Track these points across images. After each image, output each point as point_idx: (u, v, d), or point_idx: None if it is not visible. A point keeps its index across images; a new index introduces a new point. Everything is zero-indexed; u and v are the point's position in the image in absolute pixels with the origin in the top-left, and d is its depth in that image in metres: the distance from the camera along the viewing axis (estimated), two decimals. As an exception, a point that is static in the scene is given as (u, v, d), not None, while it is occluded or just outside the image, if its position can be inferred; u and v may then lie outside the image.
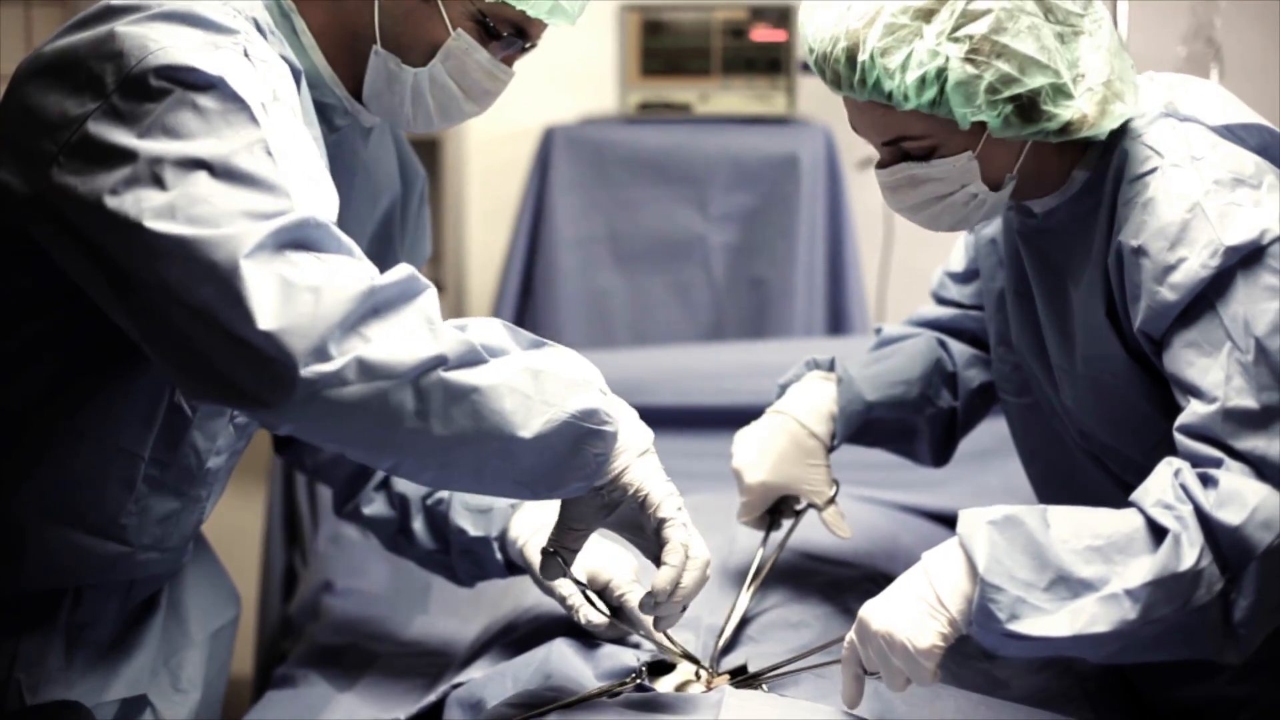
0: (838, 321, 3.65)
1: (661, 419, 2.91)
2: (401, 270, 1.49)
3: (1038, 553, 1.52)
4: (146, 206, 1.44)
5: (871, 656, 1.57)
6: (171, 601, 1.89)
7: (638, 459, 1.59)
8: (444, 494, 2.00)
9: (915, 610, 1.54)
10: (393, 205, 1.95)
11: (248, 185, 1.45)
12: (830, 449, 2.04)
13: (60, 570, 1.72)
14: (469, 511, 1.97)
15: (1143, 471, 1.61)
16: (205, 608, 1.95)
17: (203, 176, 1.44)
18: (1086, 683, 1.91)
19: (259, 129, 1.47)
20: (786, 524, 2.04)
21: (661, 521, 1.59)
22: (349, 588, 2.42)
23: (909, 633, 1.53)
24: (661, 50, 3.74)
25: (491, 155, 4.06)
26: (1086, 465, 1.83)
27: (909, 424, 2.08)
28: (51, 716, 1.72)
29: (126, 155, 1.46)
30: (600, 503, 1.60)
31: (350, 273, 1.44)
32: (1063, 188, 1.75)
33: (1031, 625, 1.50)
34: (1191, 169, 1.62)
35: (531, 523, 1.93)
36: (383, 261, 1.95)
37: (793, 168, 3.59)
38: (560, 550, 1.65)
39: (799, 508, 2.04)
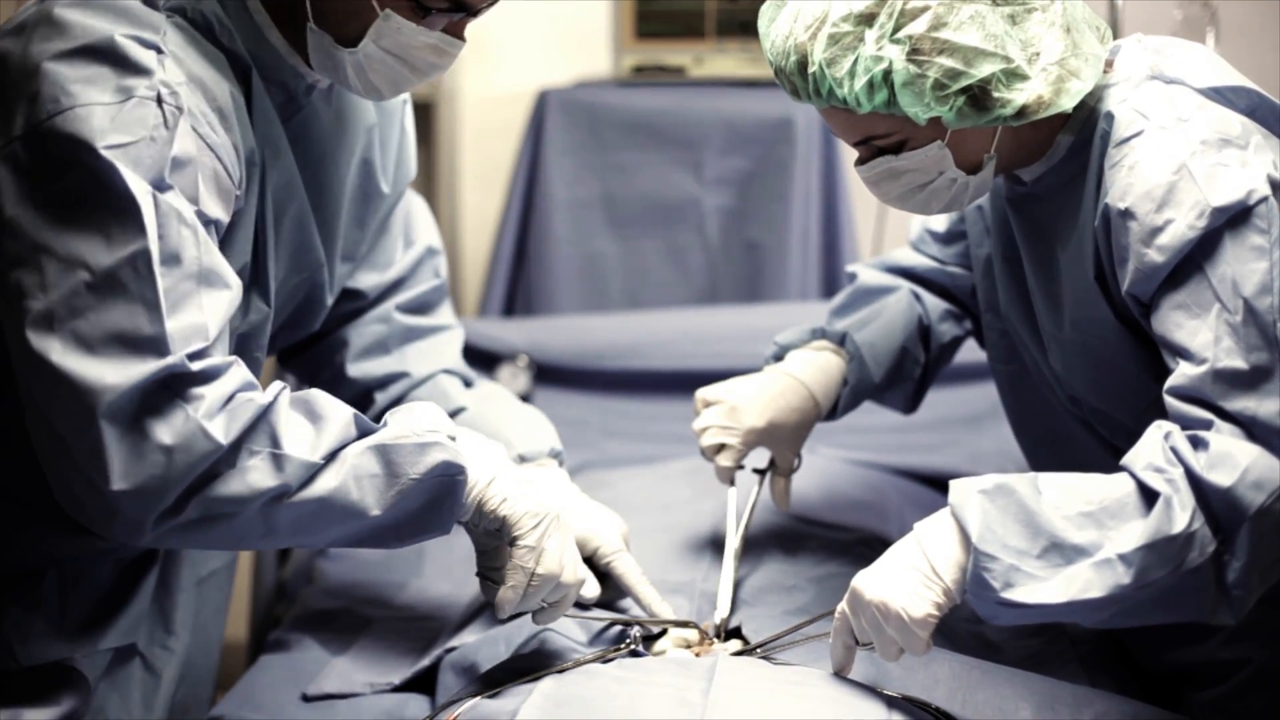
0: (832, 285, 3.64)
1: (655, 382, 2.95)
2: (268, 392, 1.55)
3: (1030, 520, 1.52)
4: (29, 305, 1.50)
5: (865, 627, 1.58)
6: (165, 551, 1.89)
7: (488, 488, 1.64)
8: None
9: (910, 580, 1.54)
10: (370, 142, 1.93)
11: (126, 303, 1.49)
12: (829, 418, 2.05)
13: (49, 556, 1.72)
14: None
15: (1133, 435, 1.61)
16: (195, 555, 1.95)
17: (83, 284, 1.49)
18: (1079, 646, 1.91)
19: (144, 238, 1.49)
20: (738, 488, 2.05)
21: (513, 540, 1.64)
22: (343, 552, 2.41)
23: (904, 603, 1.53)
24: (656, 13, 3.72)
25: (485, 118, 4.05)
26: (1076, 430, 1.83)
27: (894, 384, 2.09)
28: (45, 677, 1.72)
29: (17, 229, 1.50)
30: (483, 531, 1.67)
31: (207, 417, 1.50)
32: (1049, 153, 1.74)
33: (1026, 593, 1.50)
34: (1178, 130, 1.61)
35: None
36: (366, 200, 1.95)
37: (787, 131, 3.58)
38: (488, 574, 1.70)
39: (761, 467, 2.04)
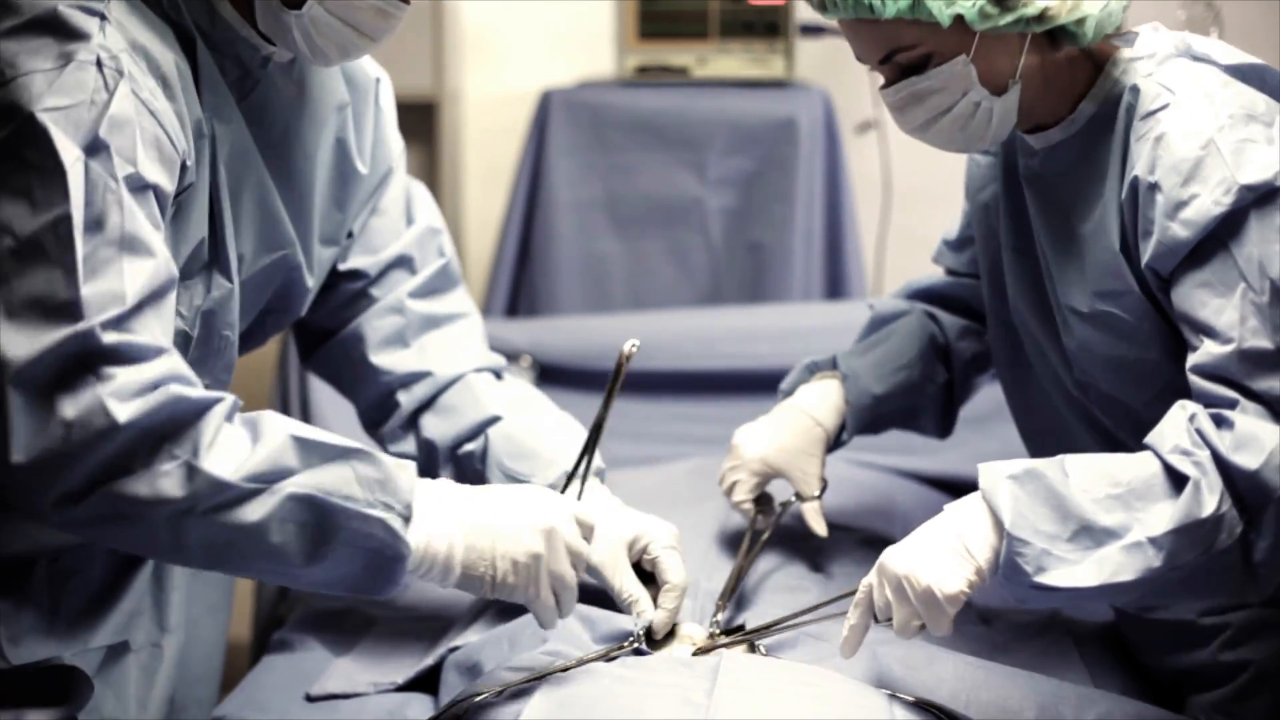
0: (835, 286, 3.64)
1: (659, 383, 2.95)
2: (211, 395, 1.49)
3: (1059, 504, 1.54)
4: None
5: (890, 599, 1.58)
6: None
7: (459, 557, 1.59)
8: (475, 446, 1.98)
9: (944, 557, 1.56)
10: (343, 122, 1.91)
11: (45, 269, 1.46)
12: (839, 443, 2.05)
13: (34, 542, 1.71)
14: (505, 477, 1.95)
15: (1139, 425, 1.63)
16: None
17: (7, 249, 1.47)
18: (1084, 648, 1.91)
19: (67, 203, 1.47)
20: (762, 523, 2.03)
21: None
22: (346, 552, 2.41)
23: (936, 578, 1.55)
24: (659, 13, 3.72)
25: (488, 119, 4.05)
26: (1081, 432, 1.84)
27: (914, 405, 2.09)
28: (47, 676, 1.72)
29: None
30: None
31: (115, 397, 1.44)
32: (1070, 119, 1.75)
33: (1058, 577, 1.52)
34: (1205, 105, 1.63)
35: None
36: (343, 181, 1.92)
37: (791, 131, 3.57)
38: None
39: (784, 501, 2.04)
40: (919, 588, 1.55)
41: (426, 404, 2.02)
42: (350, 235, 2.00)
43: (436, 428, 2.00)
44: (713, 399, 2.90)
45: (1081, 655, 1.90)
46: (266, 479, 1.49)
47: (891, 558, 1.58)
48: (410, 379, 2.02)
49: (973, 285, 2.10)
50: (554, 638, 1.76)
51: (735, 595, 1.91)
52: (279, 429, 1.52)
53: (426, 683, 1.87)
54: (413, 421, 2.02)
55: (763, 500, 2.03)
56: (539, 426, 2.01)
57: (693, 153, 3.63)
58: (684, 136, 3.63)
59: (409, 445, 2.03)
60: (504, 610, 1.93)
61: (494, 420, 1.99)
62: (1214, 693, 1.82)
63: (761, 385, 2.77)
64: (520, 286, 3.74)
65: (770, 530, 2.00)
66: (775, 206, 3.59)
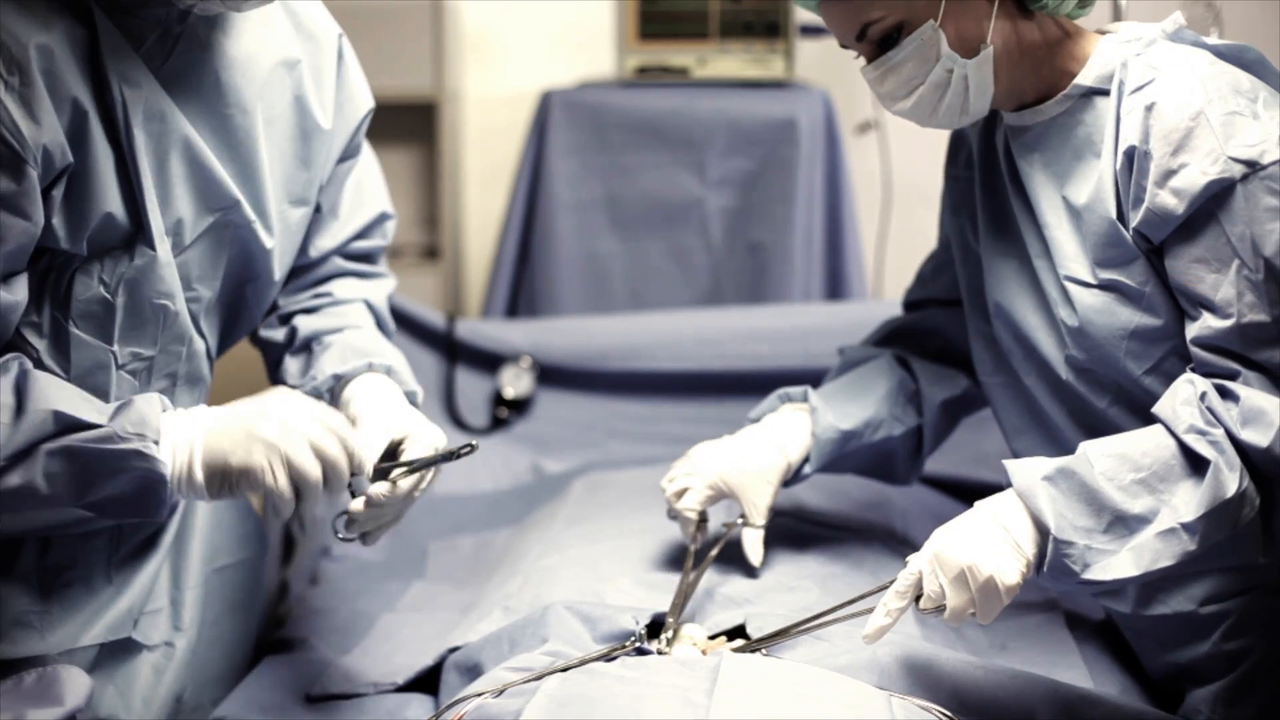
0: (835, 286, 3.64)
1: (659, 383, 2.95)
2: None
3: (1093, 498, 1.62)
4: None
5: (945, 588, 1.62)
6: (178, 543, 1.89)
7: (198, 469, 1.64)
8: (328, 339, 1.96)
9: (1001, 550, 1.61)
10: (299, 79, 1.86)
11: None
12: (799, 477, 2.03)
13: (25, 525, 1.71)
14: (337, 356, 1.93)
15: (1134, 403, 1.72)
16: (211, 548, 1.94)
17: None
18: (1084, 648, 1.92)
19: None
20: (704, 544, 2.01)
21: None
22: (346, 553, 2.42)
23: (996, 569, 1.60)
24: (659, 14, 3.72)
25: (489, 119, 4.05)
26: (1067, 426, 1.86)
27: (883, 446, 2.07)
28: (48, 674, 1.72)
29: None
30: None
31: None
32: (1065, 94, 1.80)
33: (1102, 570, 1.61)
34: (1193, 78, 1.69)
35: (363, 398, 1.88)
36: (306, 138, 1.88)
37: (791, 132, 3.58)
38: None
39: (726, 522, 2.03)
40: (981, 578, 1.60)
41: (311, 310, 2.01)
42: (319, 209, 1.97)
43: (306, 323, 1.98)
44: (713, 399, 2.91)
45: (1082, 655, 1.90)
46: (26, 451, 1.58)
47: (950, 549, 1.62)
48: (313, 307, 2.01)
49: (943, 313, 2.11)
50: (554, 638, 1.76)
51: (684, 610, 1.88)
52: (42, 401, 1.59)
53: (426, 683, 1.87)
54: (290, 317, 2.00)
55: (700, 518, 2.01)
56: (376, 338, 1.99)
57: (693, 153, 3.63)
58: (684, 137, 3.63)
59: (278, 333, 2.00)
60: (504, 610, 1.93)
61: (335, 330, 1.97)
62: (1215, 685, 1.82)
63: (761, 385, 2.76)
64: (520, 287, 3.74)
65: (717, 549, 1.98)
66: (775, 206, 3.60)
